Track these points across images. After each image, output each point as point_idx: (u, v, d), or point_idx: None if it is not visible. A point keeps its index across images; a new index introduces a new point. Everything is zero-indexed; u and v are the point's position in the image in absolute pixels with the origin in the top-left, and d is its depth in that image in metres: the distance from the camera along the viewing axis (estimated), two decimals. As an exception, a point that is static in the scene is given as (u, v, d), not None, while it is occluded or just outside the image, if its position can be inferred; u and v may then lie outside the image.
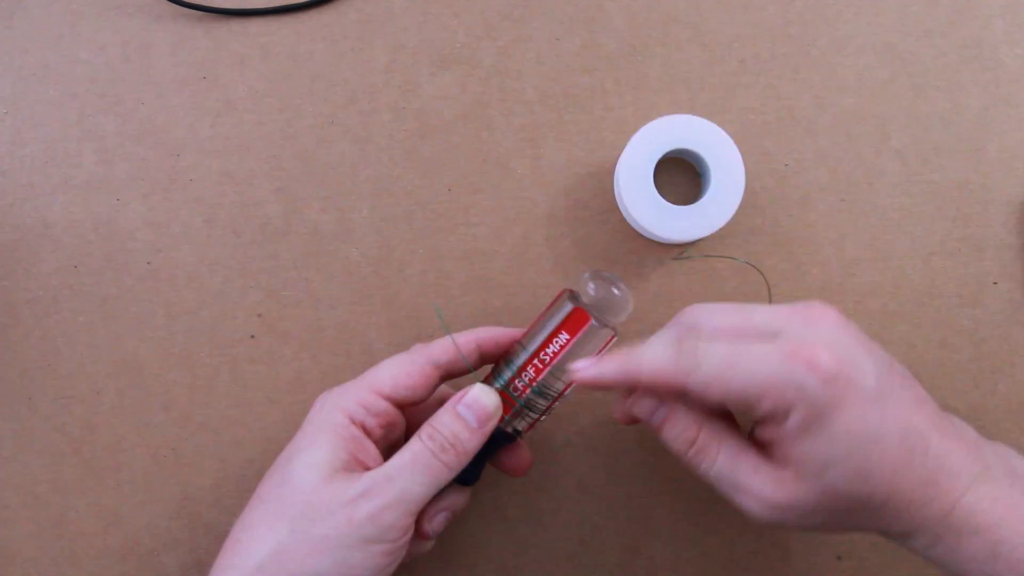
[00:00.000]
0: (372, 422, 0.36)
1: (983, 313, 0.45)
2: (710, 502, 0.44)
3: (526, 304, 0.45)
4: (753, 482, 0.32)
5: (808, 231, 0.45)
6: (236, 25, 0.46)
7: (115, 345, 0.44)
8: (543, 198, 0.45)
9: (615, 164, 0.45)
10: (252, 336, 0.45)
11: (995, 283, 0.45)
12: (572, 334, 0.36)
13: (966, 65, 0.46)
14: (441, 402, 0.38)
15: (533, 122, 0.45)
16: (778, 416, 0.31)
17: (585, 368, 0.34)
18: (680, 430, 0.34)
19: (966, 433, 0.34)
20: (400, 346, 0.44)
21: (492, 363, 0.38)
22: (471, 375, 0.38)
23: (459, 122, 0.45)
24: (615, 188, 0.44)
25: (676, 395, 0.34)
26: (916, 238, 0.45)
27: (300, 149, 0.45)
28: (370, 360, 0.44)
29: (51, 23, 0.45)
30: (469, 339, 0.37)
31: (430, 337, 0.45)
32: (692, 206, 0.42)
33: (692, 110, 0.45)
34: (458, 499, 0.38)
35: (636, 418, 0.36)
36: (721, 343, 0.32)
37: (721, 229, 0.43)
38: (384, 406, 0.36)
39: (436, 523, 0.37)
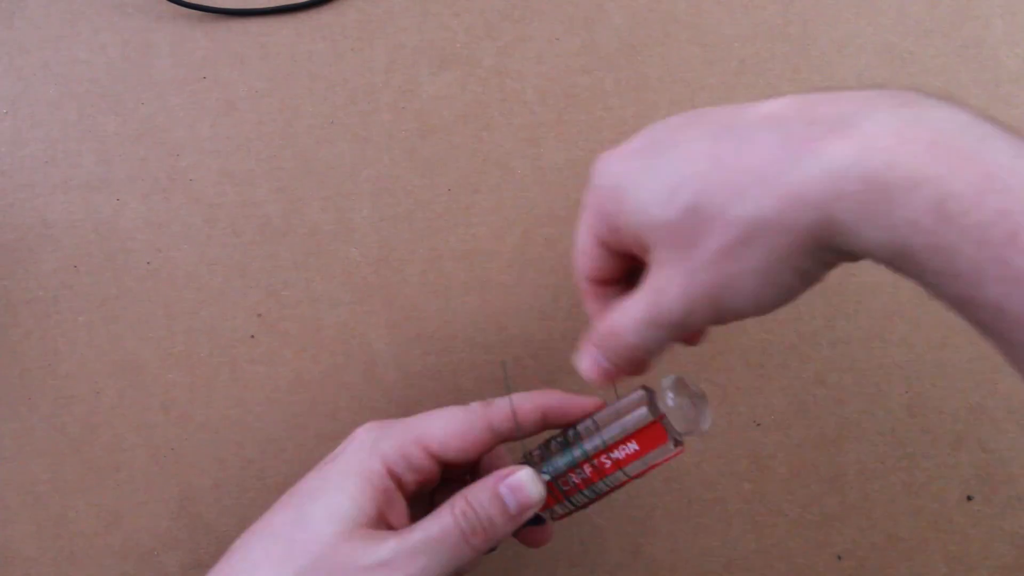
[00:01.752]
0: (410, 478, 0.33)
1: (983, 313, 0.45)
2: (710, 502, 0.44)
3: (526, 304, 0.45)
4: (640, 296, 0.29)
5: (808, 231, 0.45)
6: (236, 25, 0.46)
7: (115, 345, 0.44)
8: (543, 198, 0.45)
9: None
10: (252, 336, 0.45)
11: (995, 283, 0.45)
12: (643, 448, 0.32)
13: (966, 65, 0.46)
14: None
15: (533, 122, 0.45)
16: (614, 223, 0.30)
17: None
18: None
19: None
20: (400, 346, 0.45)
21: (552, 429, 0.35)
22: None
23: (459, 122, 0.45)
24: None
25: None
26: (916, 238, 0.45)
27: (300, 149, 0.45)
28: (370, 360, 0.44)
29: (51, 23, 0.45)
30: (535, 405, 0.34)
31: (431, 338, 0.45)
32: None
33: (692, 109, 0.45)
34: (469, 566, 0.36)
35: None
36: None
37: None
38: (427, 464, 0.33)
39: None
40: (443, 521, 0.31)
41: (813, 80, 0.45)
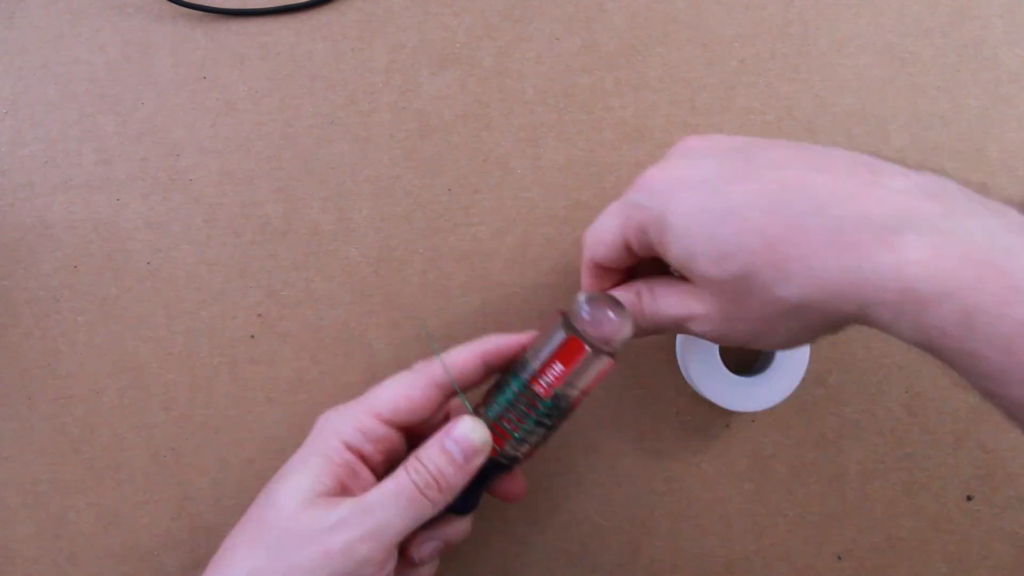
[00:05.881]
0: (370, 448, 0.35)
1: (983, 313, 0.45)
2: (710, 502, 0.44)
3: (526, 304, 0.45)
4: (680, 303, 0.33)
5: (808, 231, 0.45)
6: (236, 25, 0.46)
7: (115, 345, 0.44)
8: (543, 198, 0.45)
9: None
10: (252, 336, 0.45)
11: (995, 283, 0.45)
12: (567, 365, 0.33)
13: (966, 65, 0.46)
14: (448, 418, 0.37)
15: (533, 122, 0.45)
16: (652, 243, 0.32)
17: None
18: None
19: (893, 173, 0.28)
20: (400, 346, 0.45)
21: (500, 372, 0.37)
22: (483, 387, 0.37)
23: (459, 122, 0.45)
24: (679, 359, 0.44)
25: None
26: (916, 238, 0.45)
27: (300, 149, 0.45)
28: (370, 360, 0.44)
29: (51, 23, 0.45)
30: (474, 353, 0.36)
31: (425, 346, 0.45)
32: (758, 377, 0.42)
33: (692, 109, 0.45)
34: (453, 528, 0.37)
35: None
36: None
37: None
38: (384, 432, 0.35)
39: (424, 550, 0.36)
40: (398, 479, 0.33)
41: (813, 80, 0.45)
